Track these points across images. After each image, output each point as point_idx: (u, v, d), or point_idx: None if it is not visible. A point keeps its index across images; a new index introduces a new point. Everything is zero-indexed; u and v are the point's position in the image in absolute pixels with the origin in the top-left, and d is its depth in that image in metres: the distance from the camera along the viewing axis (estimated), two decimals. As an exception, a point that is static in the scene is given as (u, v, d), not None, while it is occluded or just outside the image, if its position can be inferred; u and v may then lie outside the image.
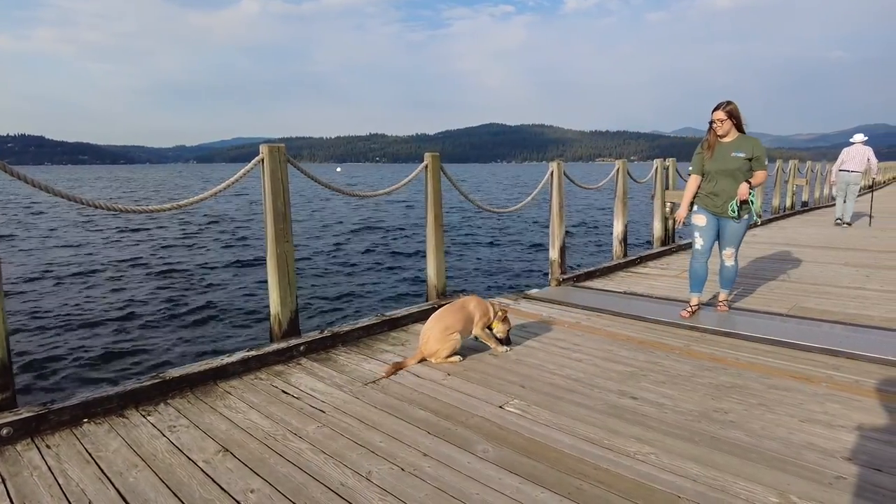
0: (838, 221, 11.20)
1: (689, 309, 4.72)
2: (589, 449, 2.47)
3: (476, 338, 3.81)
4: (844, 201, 11.17)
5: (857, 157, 10.88)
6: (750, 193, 4.40)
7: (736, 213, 4.45)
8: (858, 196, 11.59)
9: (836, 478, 2.22)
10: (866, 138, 10.97)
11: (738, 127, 4.43)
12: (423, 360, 3.59)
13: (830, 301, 5.09)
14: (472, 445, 2.51)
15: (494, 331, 3.82)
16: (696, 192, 4.68)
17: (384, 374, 3.38)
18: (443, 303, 4.81)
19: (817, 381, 3.24)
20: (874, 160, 10.84)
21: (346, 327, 4.10)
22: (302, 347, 3.73)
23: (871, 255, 7.50)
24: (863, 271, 6.45)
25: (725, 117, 4.37)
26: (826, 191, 17.92)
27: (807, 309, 4.83)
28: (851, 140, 11.13)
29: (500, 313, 3.83)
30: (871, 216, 11.46)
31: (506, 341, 3.85)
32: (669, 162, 8.71)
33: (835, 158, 11.61)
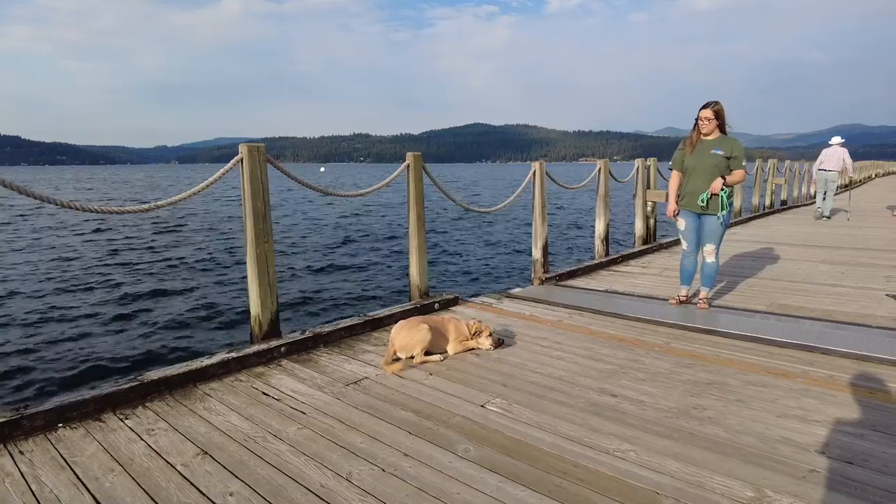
0: (819, 216, 11.69)
1: (677, 298, 5.05)
2: (569, 447, 2.48)
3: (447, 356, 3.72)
4: (824, 198, 11.87)
5: (834, 157, 11.67)
6: (723, 190, 4.52)
7: (705, 203, 4.60)
8: (836, 194, 12.25)
9: (810, 471, 2.27)
10: (843, 140, 11.84)
11: (721, 127, 4.61)
12: (397, 360, 3.55)
13: (807, 298, 5.19)
14: (454, 445, 2.51)
15: (479, 343, 3.81)
16: (679, 189, 4.84)
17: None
18: (425, 303, 4.81)
19: (793, 377, 3.30)
20: (849, 160, 11.57)
21: (327, 328, 4.07)
22: (283, 349, 3.69)
23: (847, 253, 7.66)
24: (839, 268, 6.59)
25: (712, 116, 4.55)
26: (805, 189, 18.46)
27: (785, 306, 4.92)
28: (830, 142, 12.01)
29: (475, 328, 3.81)
30: (848, 212, 12.05)
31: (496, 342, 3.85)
32: (651, 161, 8.82)
33: (813, 158, 12.26)
